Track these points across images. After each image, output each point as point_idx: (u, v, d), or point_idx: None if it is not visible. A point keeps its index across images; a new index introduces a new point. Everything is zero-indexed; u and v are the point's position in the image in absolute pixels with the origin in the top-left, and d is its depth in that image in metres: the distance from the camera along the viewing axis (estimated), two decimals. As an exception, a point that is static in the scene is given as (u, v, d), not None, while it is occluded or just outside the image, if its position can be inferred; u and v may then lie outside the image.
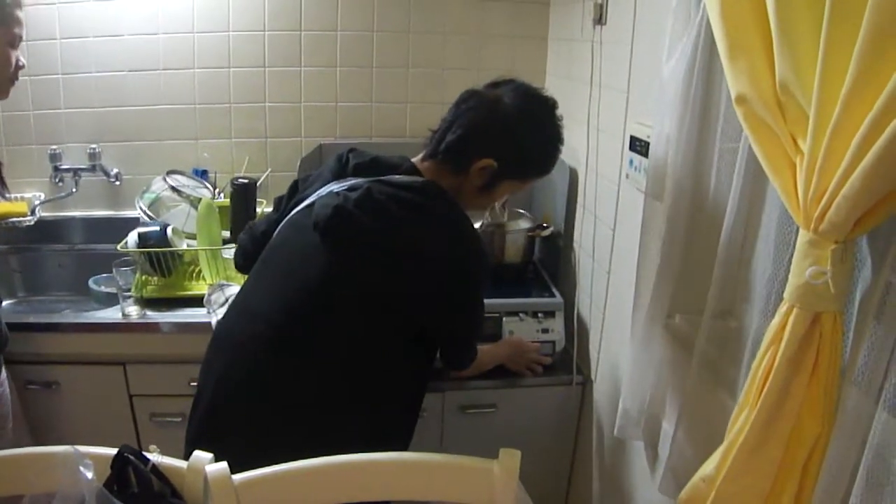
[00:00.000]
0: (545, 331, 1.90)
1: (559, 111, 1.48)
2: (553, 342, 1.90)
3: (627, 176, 1.64)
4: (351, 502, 1.17)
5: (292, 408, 1.31)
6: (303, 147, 2.38)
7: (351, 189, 1.35)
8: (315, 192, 1.42)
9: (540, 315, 1.91)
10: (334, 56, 2.32)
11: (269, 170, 2.30)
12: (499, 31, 2.36)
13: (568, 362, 1.93)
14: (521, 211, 2.15)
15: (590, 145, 1.89)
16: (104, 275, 2.20)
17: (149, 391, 1.95)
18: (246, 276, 1.53)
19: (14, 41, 1.58)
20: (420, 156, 1.46)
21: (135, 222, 2.15)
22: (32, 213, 2.33)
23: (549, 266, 2.19)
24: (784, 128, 0.91)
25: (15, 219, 2.27)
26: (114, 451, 1.12)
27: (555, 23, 2.33)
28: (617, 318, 1.76)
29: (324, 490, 1.16)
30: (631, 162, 1.61)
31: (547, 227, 2.09)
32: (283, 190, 1.59)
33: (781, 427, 0.94)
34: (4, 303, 1.79)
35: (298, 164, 2.12)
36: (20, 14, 1.58)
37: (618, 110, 1.72)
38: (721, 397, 1.27)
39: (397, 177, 1.38)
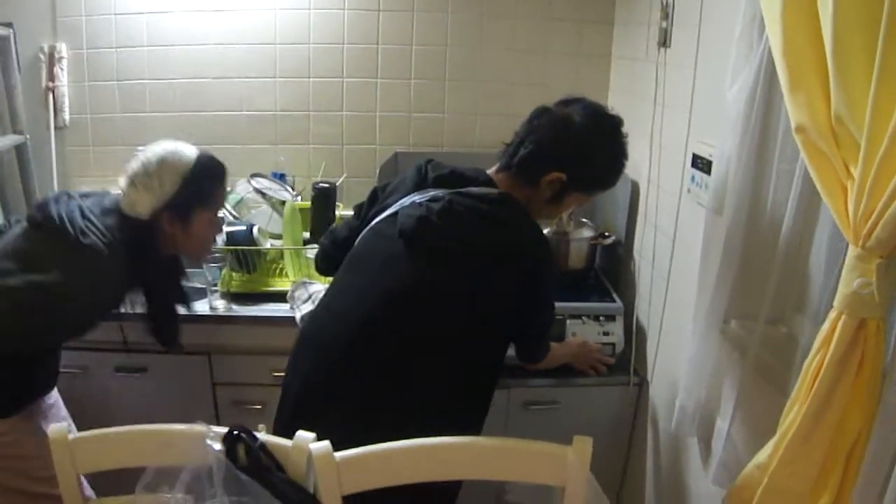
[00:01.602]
0: (606, 334, 2.07)
1: (624, 129, 1.63)
2: (613, 345, 2.08)
3: (689, 191, 1.79)
4: (437, 480, 1.34)
5: (370, 408, 1.46)
6: (377, 154, 2.58)
7: (433, 200, 1.52)
8: (396, 201, 1.59)
9: (601, 318, 2.09)
10: (409, 68, 2.53)
11: (345, 174, 2.49)
12: (564, 49, 2.53)
13: (626, 364, 2.10)
14: (585, 220, 2.32)
15: (651, 160, 2.05)
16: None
17: (231, 380, 2.16)
18: (325, 278, 1.67)
19: (215, 220, 1.74)
20: (494, 168, 1.63)
21: (216, 222, 2.37)
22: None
23: (609, 273, 2.35)
24: (837, 155, 1.06)
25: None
26: (225, 429, 1.30)
27: (619, 42, 2.50)
28: (674, 324, 1.92)
29: (414, 468, 1.32)
30: (693, 178, 1.77)
31: (609, 237, 2.26)
32: (358, 194, 1.77)
33: (828, 420, 1.10)
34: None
35: (378, 171, 2.31)
36: (225, 187, 1.74)
37: (680, 128, 1.88)
38: (772, 396, 1.41)
39: (475, 189, 1.55)
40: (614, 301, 2.16)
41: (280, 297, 2.13)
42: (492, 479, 1.35)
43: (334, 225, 1.85)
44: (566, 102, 1.62)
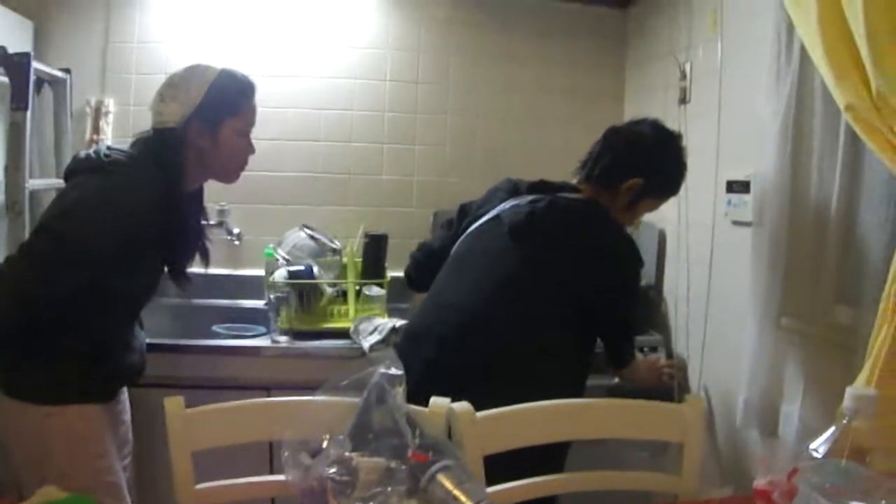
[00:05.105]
0: (651, 363, 2.35)
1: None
2: (660, 371, 2.34)
3: (726, 214, 2.16)
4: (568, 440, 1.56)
5: (489, 384, 1.64)
6: (413, 217, 2.91)
7: (535, 201, 1.83)
8: (493, 209, 1.89)
9: (646, 349, 2.39)
10: (444, 136, 2.93)
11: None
12: (581, 121, 2.95)
13: (670, 390, 2.35)
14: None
15: (680, 203, 2.42)
16: (226, 324, 2.62)
17: (288, 417, 2.29)
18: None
19: (246, 130, 1.76)
20: (575, 180, 1.95)
21: (251, 279, 2.68)
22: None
23: (641, 316, 2.63)
24: (881, 122, 1.43)
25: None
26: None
27: (631, 111, 2.95)
28: (717, 341, 2.22)
29: (551, 427, 1.50)
30: (729, 202, 2.13)
31: (640, 281, 2.58)
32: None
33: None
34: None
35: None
36: (253, 103, 1.77)
37: (708, 167, 2.27)
38: (840, 363, 1.66)
39: (569, 194, 1.87)
40: (653, 335, 2.48)
41: (339, 334, 2.33)
42: (620, 437, 1.55)
43: (423, 240, 2.15)
44: (634, 122, 1.99)
